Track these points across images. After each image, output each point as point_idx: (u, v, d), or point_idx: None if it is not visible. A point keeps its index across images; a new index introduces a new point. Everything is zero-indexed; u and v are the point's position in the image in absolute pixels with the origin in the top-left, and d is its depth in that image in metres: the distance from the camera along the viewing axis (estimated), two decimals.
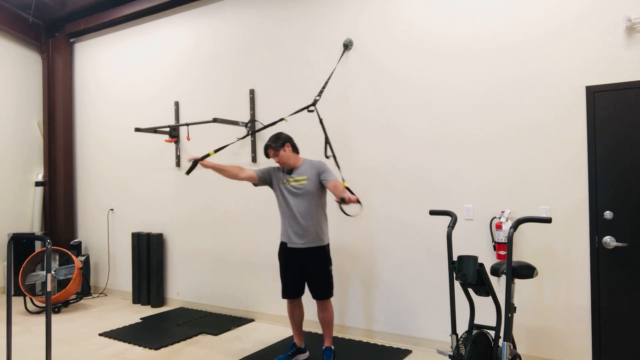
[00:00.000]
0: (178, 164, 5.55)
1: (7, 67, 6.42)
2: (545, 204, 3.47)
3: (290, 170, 3.57)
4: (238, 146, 4.89)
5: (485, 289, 2.80)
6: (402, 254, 4.08)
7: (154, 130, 5.40)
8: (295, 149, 3.61)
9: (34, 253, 5.38)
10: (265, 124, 4.75)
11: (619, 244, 3.21)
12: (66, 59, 6.57)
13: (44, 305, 5.31)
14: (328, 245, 3.60)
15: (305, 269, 3.55)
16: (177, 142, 5.55)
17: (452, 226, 2.99)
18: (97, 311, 5.41)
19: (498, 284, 3.50)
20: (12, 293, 3.35)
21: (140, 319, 5.01)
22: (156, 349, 4.07)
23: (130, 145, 6.02)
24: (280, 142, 3.52)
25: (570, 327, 3.39)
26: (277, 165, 3.67)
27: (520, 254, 3.54)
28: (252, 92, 4.95)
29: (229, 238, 5.14)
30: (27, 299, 5.44)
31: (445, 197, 3.87)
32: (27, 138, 6.64)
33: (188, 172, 3.59)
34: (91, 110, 6.47)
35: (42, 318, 5.07)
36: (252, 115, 4.93)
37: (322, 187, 3.50)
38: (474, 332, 2.84)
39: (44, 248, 5.01)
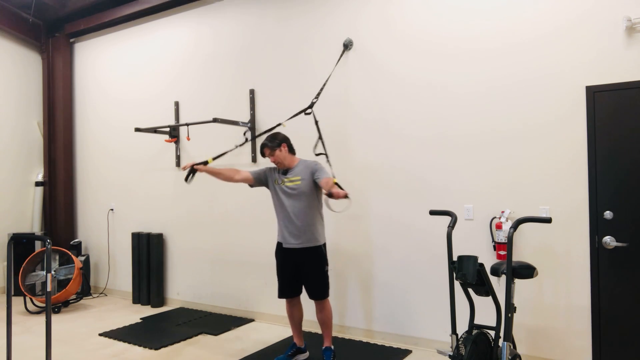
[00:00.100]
0: (178, 164, 5.55)
1: (7, 67, 6.42)
2: (545, 204, 3.47)
3: (285, 171, 3.58)
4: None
5: (485, 289, 2.80)
6: (402, 254, 4.08)
7: (154, 130, 5.40)
8: (291, 150, 3.62)
9: (34, 253, 5.38)
10: (265, 123, 4.76)
11: (619, 244, 3.21)
12: (66, 59, 6.57)
13: (44, 305, 5.31)
14: (324, 245, 3.60)
15: (301, 269, 3.56)
16: (177, 142, 5.55)
17: (452, 226, 2.99)
18: (97, 311, 5.41)
19: (498, 284, 3.50)
20: (12, 293, 3.35)
21: (140, 319, 5.01)
22: (156, 349, 4.07)
23: (130, 145, 6.02)
24: (276, 142, 3.53)
25: (570, 327, 3.39)
26: (272, 165, 3.68)
27: (520, 254, 3.54)
28: (252, 92, 4.95)
29: (229, 238, 5.14)
30: (27, 299, 5.44)
31: (445, 197, 3.87)
32: (27, 138, 6.64)
33: (187, 179, 3.58)
34: (91, 110, 6.47)
35: (42, 318, 5.07)
36: (252, 115, 4.93)
37: (316, 187, 3.51)
38: (474, 332, 2.84)
39: (44, 248, 5.01)
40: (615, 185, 3.23)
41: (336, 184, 3.24)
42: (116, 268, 6.16)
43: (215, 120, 4.58)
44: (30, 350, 4.10)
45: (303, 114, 4.09)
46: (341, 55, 4.33)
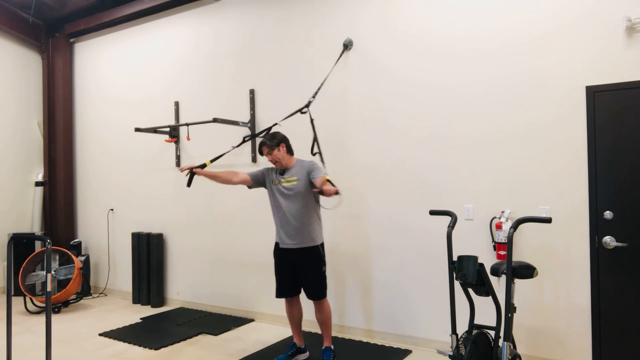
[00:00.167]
0: (178, 164, 5.55)
1: (7, 67, 6.42)
2: (545, 204, 3.47)
3: (282, 171, 3.59)
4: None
5: (485, 289, 2.80)
6: (402, 254, 4.08)
7: (154, 130, 5.40)
8: (289, 150, 3.62)
9: (34, 253, 5.38)
10: (266, 123, 4.76)
11: (619, 244, 3.21)
12: (66, 59, 6.57)
13: (44, 305, 5.31)
14: (321, 245, 3.60)
15: (298, 269, 3.56)
16: (177, 142, 5.55)
17: (452, 226, 2.99)
18: (97, 311, 5.41)
19: (498, 284, 3.50)
20: (12, 293, 3.35)
21: (140, 319, 5.01)
22: (156, 349, 4.07)
23: (130, 145, 6.02)
24: (275, 141, 3.53)
25: (570, 327, 3.39)
26: (270, 166, 3.69)
27: (520, 254, 3.54)
28: (252, 92, 4.95)
29: (229, 238, 5.14)
30: (27, 299, 5.44)
31: (445, 197, 3.87)
32: (27, 138, 6.64)
33: (189, 184, 3.58)
34: (91, 110, 6.47)
35: (42, 318, 5.08)
36: (252, 115, 4.93)
37: (313, 187, 3.51)
38: (474, 332, 2.84)
39: (44, 248, 5.01)
40: (615, 185, 3.23)
41: (328, 180, 3.24)
42: (116, 268, 6.16)
43: (215, 120, 4.58)
44: (30, 350, 4.10)
45: (299, 113, 4.09)
46: (340, 55, 4.33)
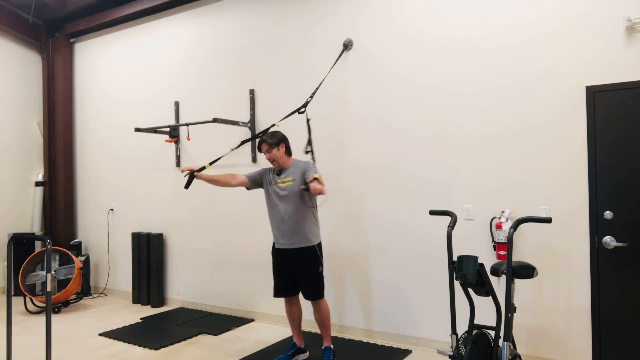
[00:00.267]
0: (178, 164, 5.55)
1: (7, 67, 6.42)
2: (545, 204, 3.47)
3: (279, 172, 3.60)
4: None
5: (485, 289, 2.80)
6: (402, 254, 4.08)
7: (154, 130, 5.40)
8: (288, 151, 3.63)
9: (34, 253, 5.38)
10: (266, 124, 4.76)
11: (619, 244, 3.21)
12: (66, 59, 6.57)
13: (44, 305, 5.31)
14: (318, 245, 3.59)
15: (295, 269, 3.56)
16: (177, 142, 5.55)
17: (452, 226, 2.99)
18: (97, 311, 5.41)
19: (498, 284, 3.50)
20: (12, 293, 3.35)
21: (140, 319, 5.01)
22: (156, 349, 4.07)
23: (130, 145, 6.02)
24: (275, 140, 3.54)
25: (570, 327, 3.39)
26: (268, 167, 3.70)
27: (520, 254, 3.54)
28: (252, 92, 4.95)
29: (229, 238, 5.14)
30: (27, 299, 5.44)
31: (446, 197, 3.87)
32: (27, 138, 6.64)
33: (187, 187, 3.57)
34: (91, 110, 6.47)
35: (42, 318, 5.08)
36: (252, 115, 4.93)
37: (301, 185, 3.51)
38: (474, 332, 2.84)
39: (44, 248, 5.02)
40: (615, 185, 3.23)
41: (316, 179, 3.25)
42: (116, 268, 6.16)
43: (215, 120, 4.58)
44: (30, 350, 4.10)
45: (297, 113, 4.09)
46: (340, 55, 4.32)
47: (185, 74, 5.49)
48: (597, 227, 3.28)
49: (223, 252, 5.19)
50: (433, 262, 3.93)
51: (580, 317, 3.35)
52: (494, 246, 3.63)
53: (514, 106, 3.59)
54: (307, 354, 3.79)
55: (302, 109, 4.06)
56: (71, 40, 6.62)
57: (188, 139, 4.96)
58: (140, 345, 4.16)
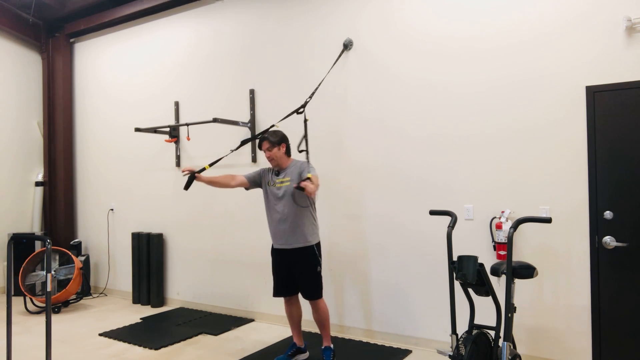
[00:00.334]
0: (178, 164, 5.55)
1: (7, 67, 6.42)
2: (545, 204, 3.47)
3: (277, 172, 3.61)
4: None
5: (485, 289, 2.80)
6: (401, 254, 4.08)
7: (154, 130, 5.40)
8: (288, 151, 3.63)
9: (34, 253, 5.38)
10: (266, 123, 4.76)
11: (619, 244, 3.21)
12: (66, 59, 6.57)
13: (44, 305, 5.31)
14: (317, 245, 3.59)
15: (293, 269, 3.57)
16: (177, 142, 5.55)
17: (452, 226, 2.99)
18: (97, 311, 5.41)
19: (498, 284, 3.50)
20: (12, 293, 3.35)
21: (140, 319, 5.01)
22: (156, 349, 4.07)
23: (130, 145, 6.02)
24: (277, 139, 3.55)
25: (570, 327, 3.39)
26: (266, 167, 3.71)
27: (520, 254, 3.54)
28: (252, 92, 4.95)
29: (229, 238, 5.14)
30: (27, 299, 5.44)
31: (446, 197, 3.87)
32: (27, 138, 6.64)
33: (186, 188, 3.56)
34: (91, 110, 6.47)
35: (42, 318, 5.08)
36: (252, 115, 4.93)
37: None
38: (474, 332, 2.84)
39: (44, 248, 5.02)
40: (615, 185, 3.23)
41: (309, 178, 3.26)
42: (116, 268, 6.16)
43: (215, 120, 4.58)
44: (30, 350, 4.10)
45: (296, 113, 4.08)
46: (340, 55, 4.32)
47: (185, 74, 5.49)
48: (597, 227, 3.28)
49: (223, 252, 5.19)
50: (433, 262, 3.93)
51: (580, 317, 3.35)
52: (494, 246, 3.63)
53: (514, 106, 3.59)
54: (307, 354, 3.79)
55: (301, 110, 4.06)
56: (71, 40, 6.62)
57: (188, 139, 4.96)
58: (140, 345, 4.16)
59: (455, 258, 3.03)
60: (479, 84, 3.73)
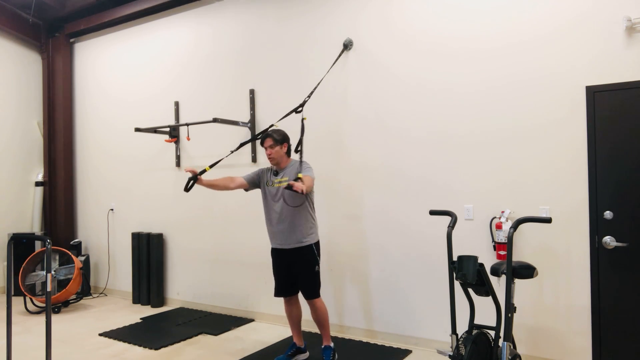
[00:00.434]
0: (178, 164, 5.55)
1: (7, 67, 6.42)
2: (545, 204, 3.47)
3: (276, 172, 3.61)
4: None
5: (485, 289, 2.80)
6: (401, 254, 4.08)
7: (154, 130, 5.40)
8: (288, 152, 3.64)
9: (34, 253, 5.38)
10: (266, 123, 4.76)
11: (619, 244, 3.21)
12: (66, 59, 6.57)
13: (44, 305, 5.31)
14: (315, 244, 3.58)
15: (292, 269, 3.57)
16: (177, 142, 5.55)
17: (452, 226, 2.99)
18: (97, 311, 5.41)
19: (498, 284, 3.50)
20: (12, 293, 3.35)
21: (140, 319, 5.01)
22: (156, 349, 4.07)
23: (130, 145, 6.02)
24: (280, 138, 3.56)
25: (570, 327, 3.39)
26: (264, 167, 3.72)
27: (520, 254, 3.54)
28: (252, 92, 4.95)
29: (229, 238, 5.14)
30: (27, 299, 5.44)
31: (446, 197, 3.87)
32: (27, 138, 6.64)
33: (187, 190, 3.56)
34: (91, 110, 6.47)
35: (42, 318, 5.08)
36: (252, 115, 4.93)
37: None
38: (474, 332, 2.84)
39: (44, 248, 5.02)
40: (615, 185, 3.23)
41: (300, 178, 3.26)
42: (116, 268, 6.16)
43: (215, 120, 4.58)
44: (30, 350, 4.10)
45: (294, 113, 4.08)
46: (339, 55, 4.32)
47: (185, 74, 5.49)
48: (597, 227, 3.28)
49: (223, 252, 5.19)
50: (433, 262, 3.93)
51: (580, 317, 3.35)
52: (494, 246, 3.63)
53: (514, 106, 3.59)
54: (307, 354, 3.79)
55: (299, 109, 4.06)
56: (71, 40, 6.62)
57: (188, 139, 4.96)
58: (140, 345, 4.16)
59: (455, 258, 3.03)
60: (479, 84, 3.73)
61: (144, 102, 5.88)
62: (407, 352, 3.88)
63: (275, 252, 3.63)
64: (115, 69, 6.19)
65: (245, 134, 4.98)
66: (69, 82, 6.61)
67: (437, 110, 3.91)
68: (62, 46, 6.53)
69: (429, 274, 3.95)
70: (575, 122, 3.36)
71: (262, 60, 4.90)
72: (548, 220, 2.65)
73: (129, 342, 4.24)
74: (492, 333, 2.85)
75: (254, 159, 4.93)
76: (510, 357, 2.70)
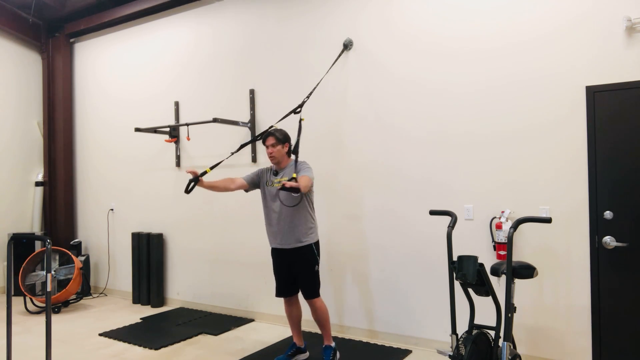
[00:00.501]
0: (178, 164, 5.55)
1: (7, 67, 6.42)
2: (545, 204, 3.47)
3: (275, 172, 3.61)
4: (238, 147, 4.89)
5: (485, 289, 2.80)
6: (401, 254, 4.08)
7: (154, 130, 5.40)
8: (289, 152, 3.64)
9: (34, 253, 5.38)
10: (266, 123, 4.76)
11: (619, 244, 3.21)
12: (66, 59, 6.57)
13: (44, 305, 5.31)
14: (315, 244, 3.58)
15: (292, 269, 3.57)
16: (177, 142, 5.55)
17: (452, 226, 2.99)
18: (97, 311, 5.41)
19: (498, 284, 3.50)
20: (12, 293, 3.35)
21: (140, 319, 5.01)
22: (156, 349, 4.07)
23: (130, 145, 6.02)
24: (283, 137, 3.57)
25: (570, 327, 3.39)
26: (264, 167, 3.72)
27: (520, 254, 3.54)
28: (252, 92, 4.95)
29: (229, 238, 5.14)
30: (27, 299, 5.44)
31: (446, 197, 3.87)
32: (27, 138, 6.64)
33: (188, 191, 3.56)
34: (91, 110, 6.47)
35: (42, 318, 5.08)
36: (252, 115, 4.93)
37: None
38: (474, 332, 2.84)
39: (44, 248, 5.02)
40: (615, 185, 3.23)
41: (294, 178, 3.25)
42: (116, 268, 6.16)
43: (215, 120, 4.58)
44: (30, 350, 4.10)
45: (293, 113, 4.08)
46: (339, 55, 4.32)
47: (185, 74, 5.50)
48: (597, 227, 3.28)
49: (223, 252, 5.19)
50: (433, 262, 3.93)
51: (580, 317, 3.35)
52: (494, 246, 3.63)
53: (514, 106, 3.59)
54: (307, 354, 3.79)
55: (298, 109, 4.06)
56: (71, 40, 6.62)
57: (188, 139, 4.96)
58: (140, 345, 4.16)
59: (455, 258, 3.03)
60: (479, 84, 3.73)
61: (144, 102, 5.88)
62: (407, 352, 3.88)
63: (275, 252, 3.63)
64: (115, 69, 6.19)
65: (245, 134, 4.98)
66: (69, 82, 6.61)
67: (437, 110, 3.91)
68: (62, 46, 6.53)
69: (429, 273, 3.95)
70: (575, 122, 3.36)
71: (262, 60, 4.90)
72: (548, 220, 2.65)
73: (129, 342, 4.24)
74: (492, 333, 2.85)
75: (254, 159, 4.93)
76: (510, 357, 2.70)
